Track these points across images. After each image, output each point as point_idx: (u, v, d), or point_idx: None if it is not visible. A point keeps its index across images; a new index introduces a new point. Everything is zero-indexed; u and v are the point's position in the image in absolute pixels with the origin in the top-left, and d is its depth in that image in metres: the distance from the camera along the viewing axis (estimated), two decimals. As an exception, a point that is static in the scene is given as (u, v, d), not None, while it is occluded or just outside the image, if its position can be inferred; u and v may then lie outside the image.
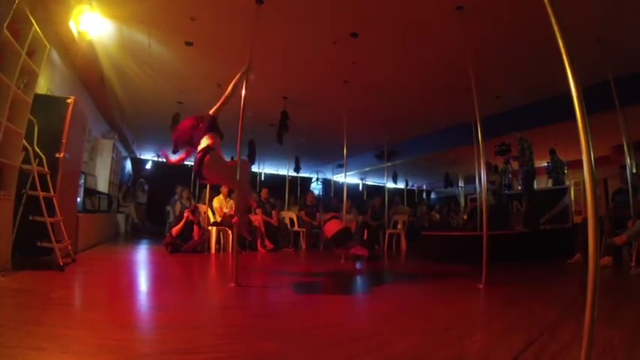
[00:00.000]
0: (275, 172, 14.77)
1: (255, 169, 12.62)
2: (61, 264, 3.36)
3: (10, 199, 3.19)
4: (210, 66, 6.24)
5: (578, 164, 9.43)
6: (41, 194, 3.35)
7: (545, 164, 9.24)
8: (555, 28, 1.44)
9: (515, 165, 7.21)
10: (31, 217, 3.34)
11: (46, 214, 3.36)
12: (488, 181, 6.88)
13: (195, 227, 6.08)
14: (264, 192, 8.29)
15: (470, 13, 4.27)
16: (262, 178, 13.79)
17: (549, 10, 1.49)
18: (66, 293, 2.73)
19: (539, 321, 2.17)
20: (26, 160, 3.35)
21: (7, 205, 3.16)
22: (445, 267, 4.96)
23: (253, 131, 8.49)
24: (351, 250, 5.35)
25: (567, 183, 8.52)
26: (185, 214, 6.14)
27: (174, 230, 5.98)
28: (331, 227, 5.50)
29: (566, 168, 9.27)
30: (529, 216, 6.73)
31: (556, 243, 6.01)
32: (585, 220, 5.15)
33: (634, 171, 5.02)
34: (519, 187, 7.61)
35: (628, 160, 5.05)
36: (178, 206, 8.45)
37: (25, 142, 3.35)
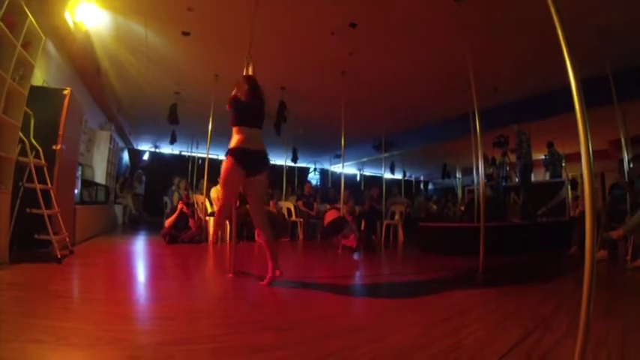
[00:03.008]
0: (272, 163, 14.73)
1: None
2: (59, 256, 3.36)
3: (7, 192, 3.17)
4: (207, 56, 6.19)
5: (575, 157, 9.47)
6: (38, 187, 3.34)
7: (543, 157, 9.25)
8: (555, 19, 1.42)
9: (512, 158, 7.21)
10: (28, 210, 3.33)
11: (43, 207, 3.35)
12: (485, 173, 6.89)
13: (190, 220, 6.07)
14: (262, 182, 8.26)
15: (469, 4, 4.24)
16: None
17: (549, 1, 1.47)
18: (64, 285, 2.73)
19: (535, 313, 2.19)
20: (23, 153, 3.33)
21: (5, 199, 3.15)
22: (442, 258, 4.98)
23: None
24: (342, 241, 5.59)
25: (564, 176, 8.55)
26: (179, 206, 6.13)
27: (167, 222, 5.98)
28: (328, 216, 5.80)
29: (563, 161, 9.28)
30: (526, 208, 6.75)
31: (552, 235, 6.05)
32: (582, 213, 5.17)
33: (631, 165, 5.03)
34: (516, 180, 7.62)
35: (626, 155, 5.06)
36: (176, 197, 8.46)
37: (21, 134, 3.33)
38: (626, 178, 4.84)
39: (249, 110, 3.11)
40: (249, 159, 3.01)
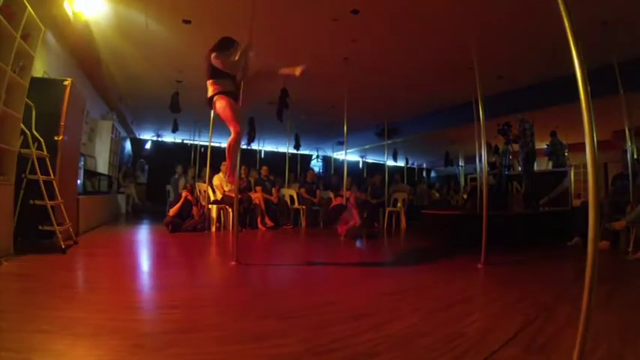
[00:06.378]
0: (275, 150, 14.74)
1: (255, 146, 12.65)
2: (63, 247, 3.38)
3: (10, 184, 3.18)
4: (208, 43, 6.06)
5: (578, 147, 9.40)
6: (41, 178, 3.34)
7: (545, 146, 9.17)
8: (562, 8, 1.39)
9: (515, 147, 7.18)
10: (31, 201, 3.34)
11: (46, 198, 3.36)
12: (488, 161, 6.86)
13: (194, 208, 6.09)
14: (264, 169, 8.30)
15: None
16: (262, 156, 13.74)
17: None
18: (68, 276, 2.75)
19: (537, 302, 2.20)
20: (25, 145, 3.33)
21: (8, 190, 3.16)
22: (444, 246, 4.99)
23: (253, 109, 8.40)
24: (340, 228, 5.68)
25: (568, 165, 8.49)
26: (183, 194, 6.15)
27: (172, 211, 5.99)
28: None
29: (566, 150, 9.21)
30: (528, 197, 6.73)
31: (555, 225, 6.03)
32: (585, 203, 5.14)
33: (635, 156, 4.99)
34: (519, 168, 7.59)
35: (629, 146, 5.02)
36: (182, 182, 8.48)
37: (22, 126, 3.31)
38: (630, 169, 4.81)
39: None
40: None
